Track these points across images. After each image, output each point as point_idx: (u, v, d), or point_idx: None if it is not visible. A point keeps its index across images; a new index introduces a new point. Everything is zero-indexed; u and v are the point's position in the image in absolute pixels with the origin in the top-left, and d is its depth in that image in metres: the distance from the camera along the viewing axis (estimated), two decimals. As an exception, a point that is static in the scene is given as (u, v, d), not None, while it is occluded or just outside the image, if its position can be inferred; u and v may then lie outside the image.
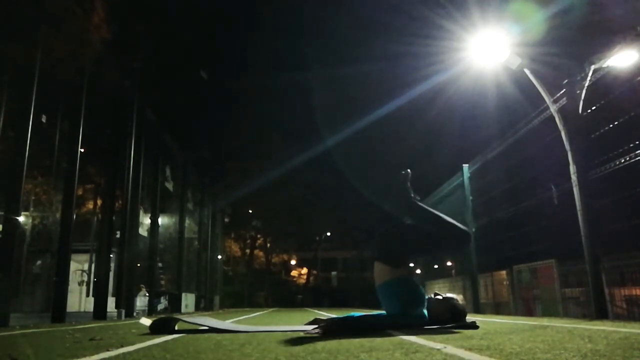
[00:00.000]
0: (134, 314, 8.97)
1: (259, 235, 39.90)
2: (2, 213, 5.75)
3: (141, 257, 10.86)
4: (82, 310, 14.72)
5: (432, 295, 3.58)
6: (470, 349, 1.93)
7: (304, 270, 43.66)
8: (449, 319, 3.43)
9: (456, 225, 3.44)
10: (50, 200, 13.19)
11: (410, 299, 3.36)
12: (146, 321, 4.34)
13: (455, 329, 3.21)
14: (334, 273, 45.33)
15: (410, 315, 3.30)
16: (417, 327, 3.35)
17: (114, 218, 8.46)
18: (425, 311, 3.40)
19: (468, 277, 9.06)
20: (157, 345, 2.42)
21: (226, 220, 28.89)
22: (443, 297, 3.55)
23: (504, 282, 8.44)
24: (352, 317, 3.32)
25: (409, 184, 3.52)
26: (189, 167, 15.08)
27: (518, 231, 7.16)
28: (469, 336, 2.57)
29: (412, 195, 3.49)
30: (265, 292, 37.87)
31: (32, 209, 13.74)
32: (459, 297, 3.59)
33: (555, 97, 5.93)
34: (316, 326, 3.11)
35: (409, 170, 3.54)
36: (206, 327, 3.62)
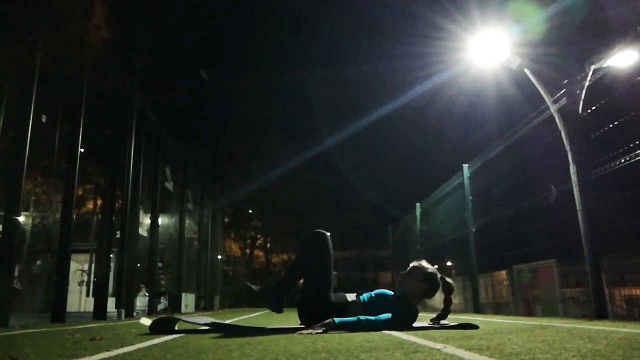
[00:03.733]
0: (134, 314, 8.97)
1: (259, 235, 39.93)
2: (2, 213, 5.75)
3: (141, 257, 10.85)
4: (82, 310, 14.74)
5: (399, 275, 3.59)
6: (470, 349, 1.93)
7: (304, 270, 43.58)
8: (427, 291, 3.44)
9: (300, 254, 3.96)
10: (50, 200, 13.20)
11: (381, 309, 3.30)
12: (146, 321, 4.34)
13: (456, 328, 3.21)
14: (334, 273, 45.30)
15: (398, 314, 3.28)
16: (411, 323, 3.36)
17: (114, 218, 8.46)
18: (402, 303, 3.41)
19: (468, 277, 9.06)
20: (157, 345, 2.42)
21: (226, 220, 28.90)
22: (408, 270, 3.52)
23: (504, 282, 8.44)
24: (350, 318, 3.31)
25: (260, 291, 3.66)
26: (189, 167, 15.08)
27: (518, 231, 7.15)
28: (469, 336, 2.57)
29: (265, 289, 3.68)
30: (265, 292, 37.76)
31: (32, 209, 13.75)
32: (421, 262, 3.54)
33: (555, 97, 5.93)
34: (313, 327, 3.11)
35: (250, 284, 3.71)
36: (206, 327, 3.62)
